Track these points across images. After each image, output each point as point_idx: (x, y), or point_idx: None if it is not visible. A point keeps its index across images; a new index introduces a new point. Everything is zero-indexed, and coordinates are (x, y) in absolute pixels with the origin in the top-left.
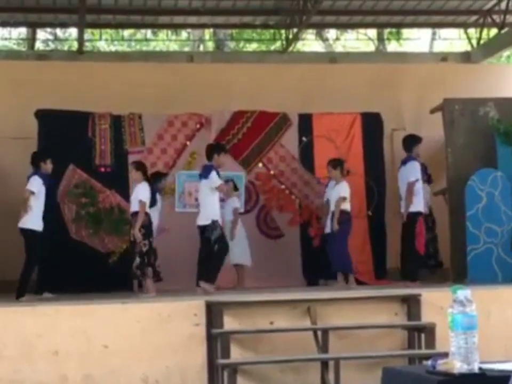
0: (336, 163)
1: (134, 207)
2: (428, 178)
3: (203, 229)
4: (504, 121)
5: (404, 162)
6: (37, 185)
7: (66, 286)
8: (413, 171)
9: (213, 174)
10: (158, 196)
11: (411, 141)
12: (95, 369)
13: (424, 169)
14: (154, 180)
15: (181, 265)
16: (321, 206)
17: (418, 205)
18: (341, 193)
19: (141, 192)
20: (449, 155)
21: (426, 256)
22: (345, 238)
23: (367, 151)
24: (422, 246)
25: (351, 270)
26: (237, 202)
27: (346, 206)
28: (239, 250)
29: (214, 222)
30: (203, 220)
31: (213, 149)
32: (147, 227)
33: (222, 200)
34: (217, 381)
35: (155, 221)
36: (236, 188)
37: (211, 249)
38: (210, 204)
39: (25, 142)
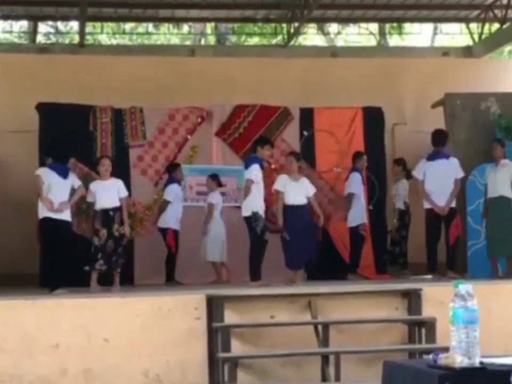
0: (298, 156)
1: (114, 202)
2: (407, 174)
3: (247, 221)
4: (505, 116)
5: (446, 156)
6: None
7: (67, 279)
8: (459, 167)
9: (254, 166)
10: (178, 187)
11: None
12: (95, 363)
13: (403, 164)
14: (170, 171)
15: (182, 258)
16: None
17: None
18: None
19: (122, 188)
20: (450, 150)
21: (396, 254)
22: None
23: (368, 145)
24: (454, 238)
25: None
26: (215, 197)
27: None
28: (212, 247)
29: (255, 214)
30: (244, 211)
31: (256, 141)
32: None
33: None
34: (218, 374)
35: (179, 213)
36: (219, 184)
37: (256, 242)
38: (252, 194)
39: (26, 135)
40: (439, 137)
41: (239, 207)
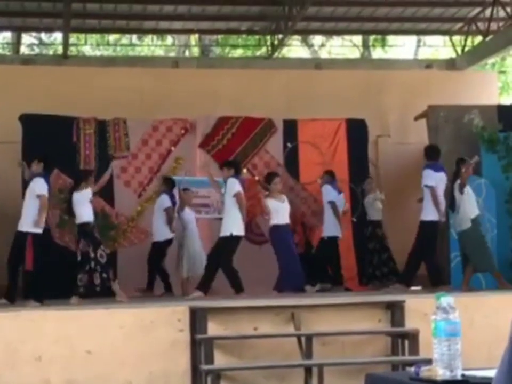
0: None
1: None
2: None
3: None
4: (488, 128)
5: (444, 170)
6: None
7: (50, 291)
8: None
9: (233, 180)
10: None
11: None
12: (78, 375)
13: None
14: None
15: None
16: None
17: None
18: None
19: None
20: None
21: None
22: None
23: (351, 157)
24: None
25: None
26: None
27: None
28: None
29: (232, 237)
30: (224, 230)
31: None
32: None
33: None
34: None
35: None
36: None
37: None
38: (234, 211)
39: (9, 146)
40: (435, 151)
41: (221, 219)
